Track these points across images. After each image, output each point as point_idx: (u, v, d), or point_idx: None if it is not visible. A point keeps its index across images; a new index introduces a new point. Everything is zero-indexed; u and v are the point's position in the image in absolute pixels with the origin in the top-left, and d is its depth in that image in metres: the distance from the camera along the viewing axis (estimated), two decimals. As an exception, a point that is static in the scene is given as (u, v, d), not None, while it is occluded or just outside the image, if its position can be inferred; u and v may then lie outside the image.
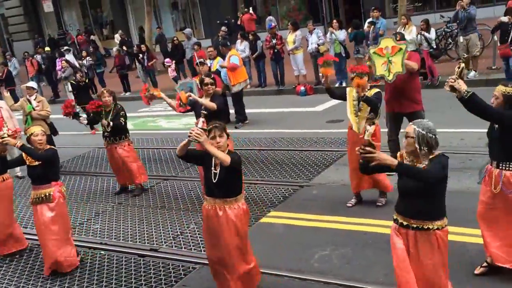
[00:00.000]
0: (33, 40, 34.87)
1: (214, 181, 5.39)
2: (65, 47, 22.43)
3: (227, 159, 5.16)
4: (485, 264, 5.61)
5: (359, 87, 7.13)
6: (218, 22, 24.34)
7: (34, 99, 11.49)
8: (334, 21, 16.55)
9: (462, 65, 5.17)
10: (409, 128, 4.57)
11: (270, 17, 24.40)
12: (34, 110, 11.24)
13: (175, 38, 20.60)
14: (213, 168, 5.40)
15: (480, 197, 5.55)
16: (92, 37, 31.12)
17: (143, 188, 9.83)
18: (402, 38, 8.38)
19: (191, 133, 5.09)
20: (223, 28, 20.08)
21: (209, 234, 5.59)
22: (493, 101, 5.29)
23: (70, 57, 20.67)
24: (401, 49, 7.69)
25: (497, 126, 5.25)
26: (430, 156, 4.49)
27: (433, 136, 4.47)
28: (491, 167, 5.37)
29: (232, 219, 5.40)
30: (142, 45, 20.76)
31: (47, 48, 24.85)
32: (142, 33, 28.78)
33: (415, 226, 4.58)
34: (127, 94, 20.19)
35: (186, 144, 5.28)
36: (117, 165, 9.71)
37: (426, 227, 4.55)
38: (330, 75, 7.52)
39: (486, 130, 5.53)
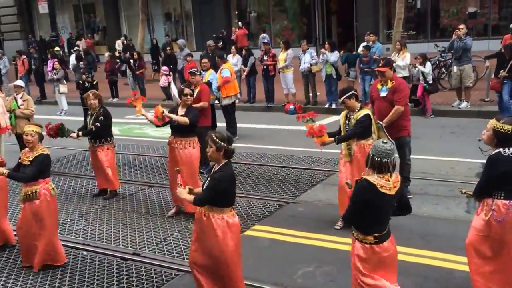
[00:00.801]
0: (24, 40, 34.87)
1: (203, 188, 5.56)
2: (75, 48, 22.43)
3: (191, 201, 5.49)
4: None
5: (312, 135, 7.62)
6: (214, 35, 24.49)
7: (20, 98, 11.56)
8: (326, 42, 16.72)
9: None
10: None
11: (264, 35, 24.70)
12: (19, 108, 11.27)
13: (168, 48, 20.69)
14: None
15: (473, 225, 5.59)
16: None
17: (115, 194, 9.91)
18: (386, 63, 8.37)
19: None
20: (209, 42, 20.11)
21: (196, 235, 5.65)
22: (484, 133, 5.40)
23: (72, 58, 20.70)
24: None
25: None
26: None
27: (378, 159, 4.69)
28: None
29: (213, 227, 5.43)
30: (134, 52, 20.80)
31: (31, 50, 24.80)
32: (126, 40, 28.75)
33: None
34: (115, 100, 20.18)
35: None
36: (96, 167, 9.87)
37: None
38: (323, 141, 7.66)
39: (476, 161, 5.63)
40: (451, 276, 6.04)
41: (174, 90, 10.25)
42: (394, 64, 9.63)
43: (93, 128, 9.47)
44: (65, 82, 19.28)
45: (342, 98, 7.49)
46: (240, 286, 5.66)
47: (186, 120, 8.24)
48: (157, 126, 8.79)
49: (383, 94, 8.28)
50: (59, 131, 9.51)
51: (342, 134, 7.68)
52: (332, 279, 6.40)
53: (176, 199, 8.69)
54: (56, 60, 19.96)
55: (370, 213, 4.74)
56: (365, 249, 4.85)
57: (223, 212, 5.47)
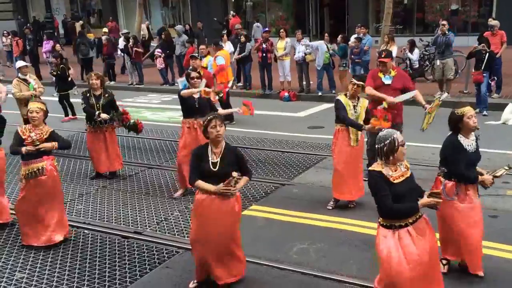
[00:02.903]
0: (16, 21, 34.62)
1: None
2: (124, 31, 22.28)
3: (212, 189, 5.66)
4: (444, 261, 6.11)
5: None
6: (215, 19, 24.66)
7: (29, 78, 11.63)
8: (326, 34, 17.11)
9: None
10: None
11: (258, 24, 24.94)
12: (35, 89, 11.36)
13: (162, 33, 20.85)
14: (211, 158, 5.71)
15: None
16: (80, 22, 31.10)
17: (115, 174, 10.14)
18: (388, 55, 8.86)
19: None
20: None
21: (201, 214, 5.80)
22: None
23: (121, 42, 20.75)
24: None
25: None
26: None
27: (378, 146, 4.92)
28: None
29: (232, 200, 5.70)
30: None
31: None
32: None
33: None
34: (112, 83, 20.35)
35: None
36: (96, 150, 9.91)
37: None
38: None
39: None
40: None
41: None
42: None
43: (115, 112, 9.68)
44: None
45: (360, 82, 7.86)
46: (238, 257, 5.98)
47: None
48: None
49: (387, 81, 8.66)
50: (130, 126, 9.92)
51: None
52: (324, 254, 6.74)
53: (182, 181, 8.87)
54: (52, 41, 20.00)
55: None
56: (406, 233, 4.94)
57: None
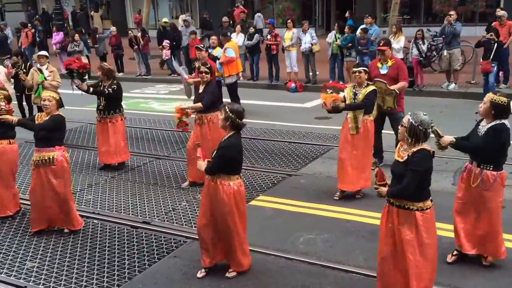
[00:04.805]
0: (26, 12, 34.72)
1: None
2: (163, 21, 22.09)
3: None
4: (455, 252, 6.22)
5: (332, 102, 7.82)
6: (228, 10, 24.64)
7: (46, 69, 11.53)
8: (336, 24, 17.04)
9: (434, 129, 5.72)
10: (405, 117, 5.03)
11: (259, 14, 24.95)
12: (46, 80, 11.32)
13: (165, 24, 20.87)
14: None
15: (457, 194, 6.15)
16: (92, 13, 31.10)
17: (123, 165, 10.16)
18: (386, 43, 8.94)
19: None
20: (225, 18, 20.31)
21: (204, 201, 5.98)
22: (481, 106, 5.82)
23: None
24: (392, 93, 8.59)
25: (481, 134, 5.80)
26: (414, 149, 4.92)
27: (423, 129, 4.90)
28: (471, 166, 5.90)
29: (220, 193, 5.78)
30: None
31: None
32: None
33: (397, 204, 5.04)
34: (121, 74, 20.42)
35: None
36: (103, 141, 9.92)
37: (406, 207, 5.00)
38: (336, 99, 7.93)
39: (461, 136, 6.05)
40: (439, 242, 6.44)
41: (177, 69, 10.43)
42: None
43: (106, 90, 9.49)
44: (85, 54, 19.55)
45: (359, 68, 7.90)
46: (242, 248, 6.06)
47: (199, 106, 8.57)
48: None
49: (383, 71, 8.80)
50: (78, 71, 9.46)
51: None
52: (331, 245, 6.79)
53: (191, 174, 8.95)
54: (62, 32, 20.03)
55: (427, 179, 5.02)
56: (426, 216, 5.03)
57: (230, 180, 5.82)
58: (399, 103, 8.89)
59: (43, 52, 12.22)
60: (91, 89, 9.59)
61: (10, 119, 7.33)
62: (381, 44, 8.92)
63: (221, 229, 5.94)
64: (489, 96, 5.76)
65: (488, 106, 5.71)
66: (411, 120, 4.92)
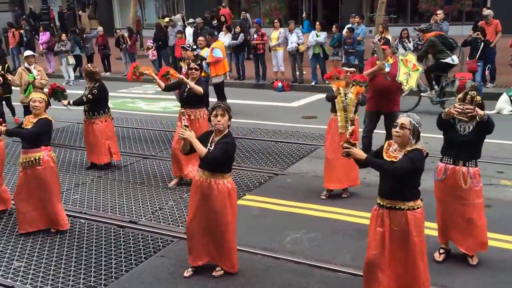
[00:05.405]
0: (13, 12, 34.50)
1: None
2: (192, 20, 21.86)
3: (202, 153, 5.61)
4: (442, 250, 6.28)
5: (358, 95, 7.84)
6: (213, 9, 24.57)
7: (34, 68, 11.56)
8: (318, 22, 17.02)
9: (473, 93, 5.73)
10: (404, 119, 5.02)
11: (246, 14, 24.93)
12: (35, 79, 11.32)
13: (159, 23, 20.81)
14: (209, 145, 5.78)
15: (437, 195, 6.22)
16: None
17: (109, 165, 10.14)
18: (386, 42, 9.04)
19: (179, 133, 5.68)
20: (198, 19, 20.13)
21: (195, 201, 5.93)
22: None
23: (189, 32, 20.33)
24: (418, 69, 8.72)
25: (468, 131, 5.87)
26: (409, 148, 4.96)
27: (420, 129, 5.00)
28: (454, 167, 5.95)
29: (215, 192, 5.77)
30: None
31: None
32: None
33: (388, 205, 5.05)
34: (108, 74, 20.36)
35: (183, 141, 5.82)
36: (89, 141, 9.97)
37: (397, 207, 5.02)
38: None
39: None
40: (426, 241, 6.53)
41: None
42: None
43: (85, 98, 9.57)
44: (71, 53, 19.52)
45: (351, 68, 8.03)
46: (233, 247, 6.07)
47: (200, 89, 8.51)
48: (164, 90, 9.08)
49: (387, 69, 8.89)
50: (53, 92, 9.47)
51: (339, 107, 7.96)
52: (318, 244, 6.82)
53: (176, 170, 8.96)
54: (48, 32, 19.94)
55: (418, 178, 5.06)
56: (417, 215, 5.05)
57: (224, 178, 5.82)
58: (397, 102, 9.01)
59: (30, 52, 12.24)
60: (71, 101, 9.64)
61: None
62: (381, 43, 9.05)
63: (214, 228, 5.91)
64: None
65: None
66: (413, 122, 4.98)
